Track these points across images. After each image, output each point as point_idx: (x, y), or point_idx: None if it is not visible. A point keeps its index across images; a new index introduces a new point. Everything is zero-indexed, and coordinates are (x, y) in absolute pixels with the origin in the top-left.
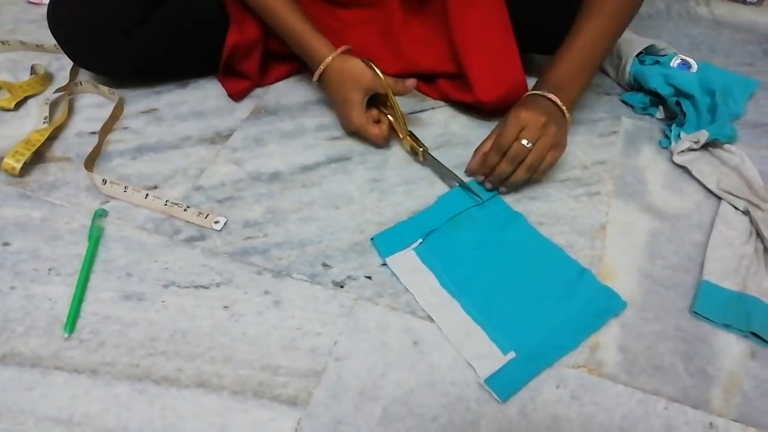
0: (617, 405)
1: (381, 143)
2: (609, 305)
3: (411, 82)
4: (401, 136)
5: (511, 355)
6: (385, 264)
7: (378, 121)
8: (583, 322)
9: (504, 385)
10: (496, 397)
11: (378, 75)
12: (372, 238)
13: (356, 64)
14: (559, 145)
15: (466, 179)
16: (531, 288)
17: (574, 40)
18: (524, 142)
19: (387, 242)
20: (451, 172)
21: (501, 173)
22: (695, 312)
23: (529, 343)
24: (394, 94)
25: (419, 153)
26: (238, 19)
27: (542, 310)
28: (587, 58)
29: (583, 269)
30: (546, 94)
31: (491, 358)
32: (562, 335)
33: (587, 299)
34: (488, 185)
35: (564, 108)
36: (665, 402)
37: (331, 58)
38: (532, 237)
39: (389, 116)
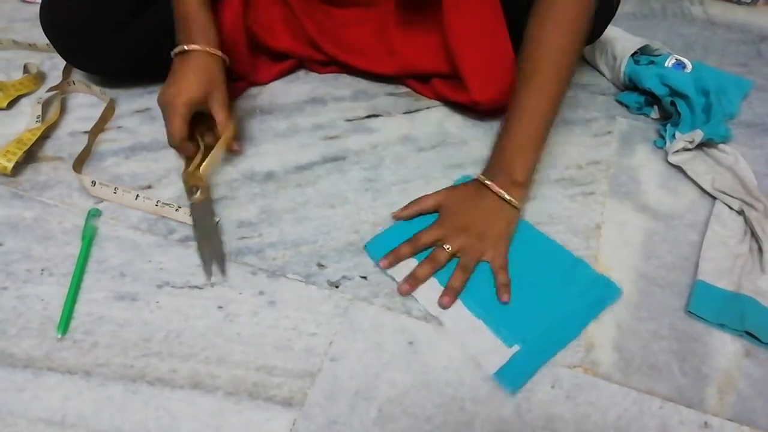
0: (612, 404)
1: (176, 148)
2: (606, 293)
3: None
4: (192, 168)
5: (516, 347)
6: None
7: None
8: (582, 311)
9: (512, 377)
10: (506, 389)
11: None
12: (365, 246)
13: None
14: (490, 249)
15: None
16: (529, 280)
17: (516, 114)
18: (447, 247)
19: (380, 248)
20: (213, 238)
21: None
22: (690, 311)
23: (532, 335)
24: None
25: (195, 195)
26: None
27: (542, 302)
28: (534, 128)
29: (578, 260)
30: (493, 188)
31: (497, 352)
32: (563, 325)
33: (584, 288)
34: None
35: (514, 200)
36: (660, 401)
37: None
38: (527, 231)
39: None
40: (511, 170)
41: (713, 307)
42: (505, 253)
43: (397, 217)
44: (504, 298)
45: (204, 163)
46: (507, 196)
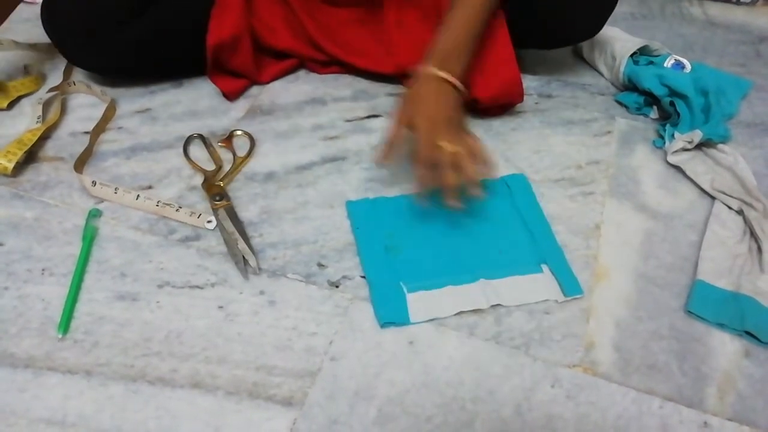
0: (612, 404)
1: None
2: (517, 183)
3: None
4: (214, 179)
5: (545, 266)
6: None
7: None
8: (528, 209)
9: (569, 285)
10: (577, 295)
11: None
12: (381, 324)
13: None
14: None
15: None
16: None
17: (451, 16)
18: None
19: (387, 312)
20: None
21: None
22: (689, 311)
23: (542, 250)
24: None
25: (219, 202)
26: (217, 15)
27: (515, 227)
28: (467, 28)
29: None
30: (441, 74)
31: (542, 281)
32: (538, 224)
33: (514, 193)
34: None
35: (457, 84)
36: (660, 401)
37: None
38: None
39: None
40: (451, 59)
41: (713, 306)
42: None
43: (380, 161)
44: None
45: (229, 177)
46: (459, 85)
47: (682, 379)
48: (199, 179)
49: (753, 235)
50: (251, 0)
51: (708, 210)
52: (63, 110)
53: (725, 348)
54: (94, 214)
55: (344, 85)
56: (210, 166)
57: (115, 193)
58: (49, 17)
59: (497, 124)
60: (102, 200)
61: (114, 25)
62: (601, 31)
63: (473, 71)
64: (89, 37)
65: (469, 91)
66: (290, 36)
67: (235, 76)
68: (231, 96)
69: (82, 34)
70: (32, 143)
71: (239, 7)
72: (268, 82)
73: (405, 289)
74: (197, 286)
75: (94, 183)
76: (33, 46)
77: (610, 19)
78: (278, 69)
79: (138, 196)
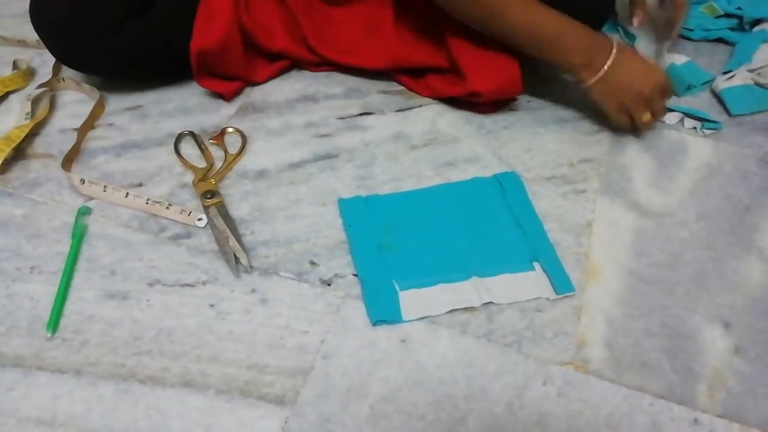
0: (603, 401)
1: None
2: (507, 178)
3: None
4: (204, 177)
5: (537, 264)
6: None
7: None
8: (520, 206)
9: (561, 282)
10: (569, 293)
11: None
12: (373, 322)
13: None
14: None
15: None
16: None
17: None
18: None
19: (380, 310)
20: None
21: None
22: (735, 115)
23: (533, 248)
24: None
25: (210, 200)
26: (203, 20)
27: (509, 226)
28: None
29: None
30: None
31: (535, 279)
32: (530, 222)
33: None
34: None
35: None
36: (651, 398)
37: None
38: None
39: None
40: None
41: (745, 100)
42: None
43: None
44: None
45: (220, 174)
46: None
47: (673, 376)
48: (190, 177)
49: None
50: (245, 1)
51: (699, 207)
52: (52, 107)
53: (716, 345)
54: (84, 212)
55: (336, 82)
56: (201, 164)
57: (104, 191)
58: (38, 15)
59: (489, 122)
60: (91, 198)
61: (107, 29)
62: None
63: (473, 63)
64: (81, 39)
65: (471, 84)
66: (287, 38)
67: (227, 78)
68: (227, 96)
69: (74, 35)
70: (20, 140)
71: (228, 11)
72: (262, 83)
73: (397, 287)
74: (188, 285)
75: (82, 181)
76: (22, 42)
77: None
78: (273, 69)
79: (127, 194)
